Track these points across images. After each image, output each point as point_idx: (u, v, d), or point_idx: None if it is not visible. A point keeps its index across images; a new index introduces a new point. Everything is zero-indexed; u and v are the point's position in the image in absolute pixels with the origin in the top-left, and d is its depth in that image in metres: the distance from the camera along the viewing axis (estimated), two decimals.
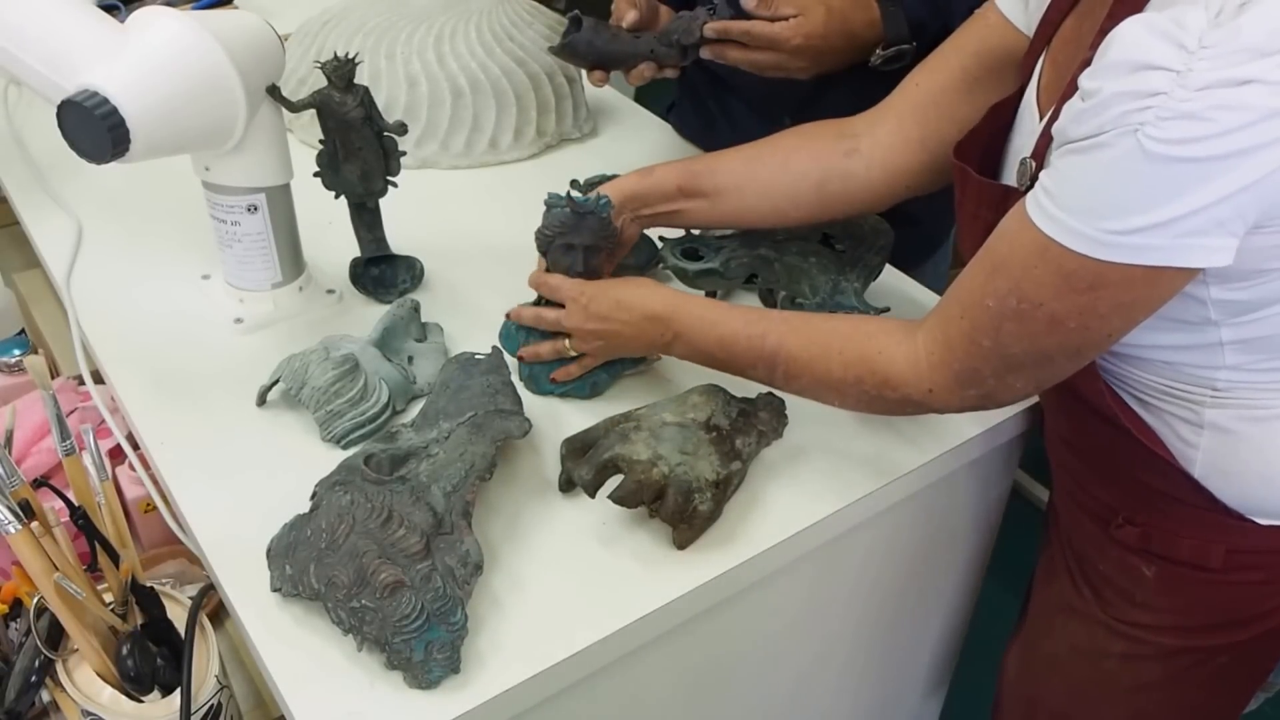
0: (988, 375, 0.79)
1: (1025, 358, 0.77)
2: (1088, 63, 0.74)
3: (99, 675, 0.84)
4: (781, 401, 0.96)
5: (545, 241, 0.98)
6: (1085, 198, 0.68)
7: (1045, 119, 0.80)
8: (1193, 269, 0.69)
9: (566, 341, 0.99)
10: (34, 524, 0.79)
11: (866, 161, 1.01)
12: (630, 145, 1.48)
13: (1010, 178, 0.87)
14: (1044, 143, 0.79)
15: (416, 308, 1.07)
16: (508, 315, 1.01)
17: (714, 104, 1.40)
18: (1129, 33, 0.66)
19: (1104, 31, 0.73)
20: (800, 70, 1.15)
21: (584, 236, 0.96)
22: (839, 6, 1.14)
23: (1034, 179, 0.79)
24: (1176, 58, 0.63)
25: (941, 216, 1.40)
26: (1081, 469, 0.97)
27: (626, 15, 1.17)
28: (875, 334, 0.86)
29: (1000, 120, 0.90)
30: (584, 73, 1.49)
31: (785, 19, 1.12)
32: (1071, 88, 0.75)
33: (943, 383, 0.81)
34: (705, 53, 1.17)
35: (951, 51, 0.99)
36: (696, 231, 1.14)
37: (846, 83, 1.18)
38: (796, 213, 1.04)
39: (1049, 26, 0.87)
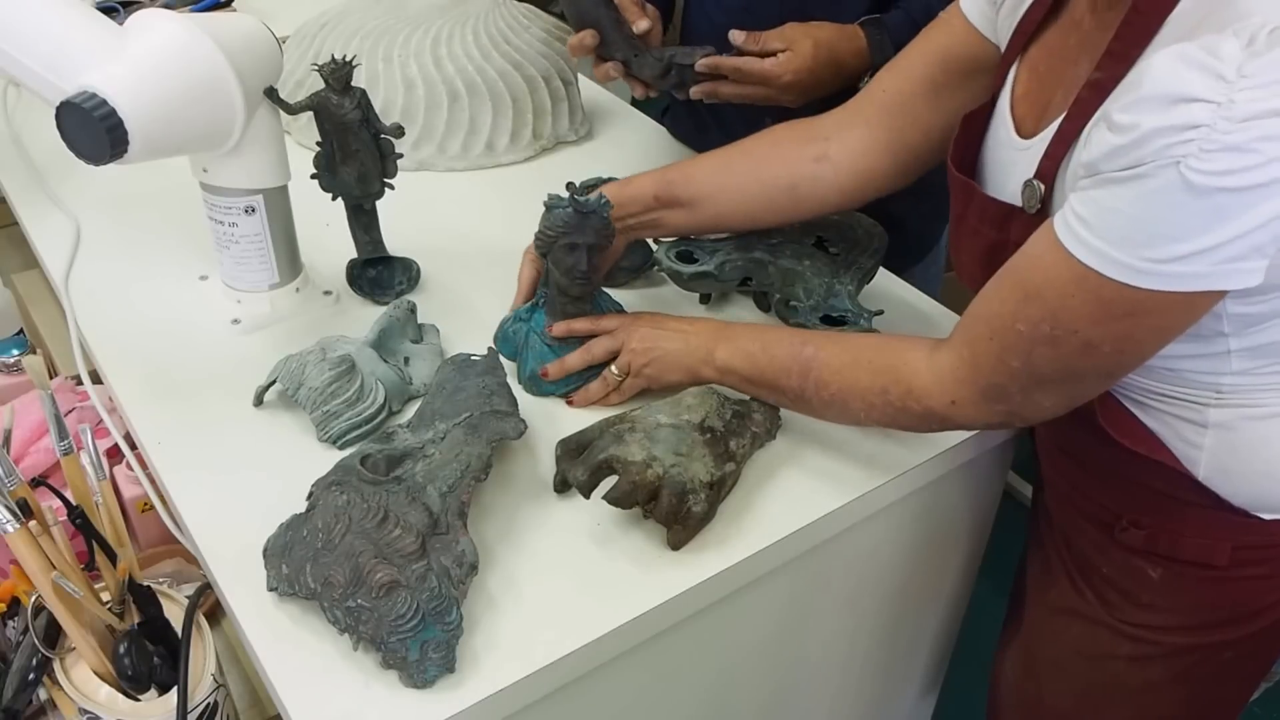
0: (1014, 392, 0.80)
1: (1055, 378, 0.78)
2: (1097, 85, 0.74)
3: (96, 674, 0.84)
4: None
5: (547, 243, 0.98)
6: (1125, 227, 0.68)
7: (1049, 137, 0.80)
8: (1227, 291, 0.70)
9: (612, 368, 1.00)
10: (32, 523, 0.79)
11: (835, 167, 1.03)
12: (625, 148, 1.48)
13: (998, 188, 0.88)
14: (1050, 165, 0.79)
15: (413, 309, 1.08)
16: (544, 372, 1.02)
17: (706, 109, 1.41)
18: (1164, 65, 0.65)
19: (1113, 54, 0.74)
20: (790, 101, 1.17)
21: (587, 235, 0.96)
22: (826, 38, 1.15)
23: (1043, 201, 0.80)
24: (1216, 89, 0.63)
25: (932, 221, 1.41)
26: (1081, 475, 0.97)
27: (638, 22, 1.18)
28: (903, 348, 0.87)
29: (975, 128, 0.91)
30: (580, 75, 1.50)
31: (774, 54, 1.14)
32: (1078, 109, 0.76)
33: (967, 396, 0.82)
34: (696, 91, 1.18)
35: (917, 57, 1.00)
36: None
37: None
38: (771, 216, 1.07)
39: (1023, 35, 0.88)
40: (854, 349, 0.89)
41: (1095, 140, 0.70)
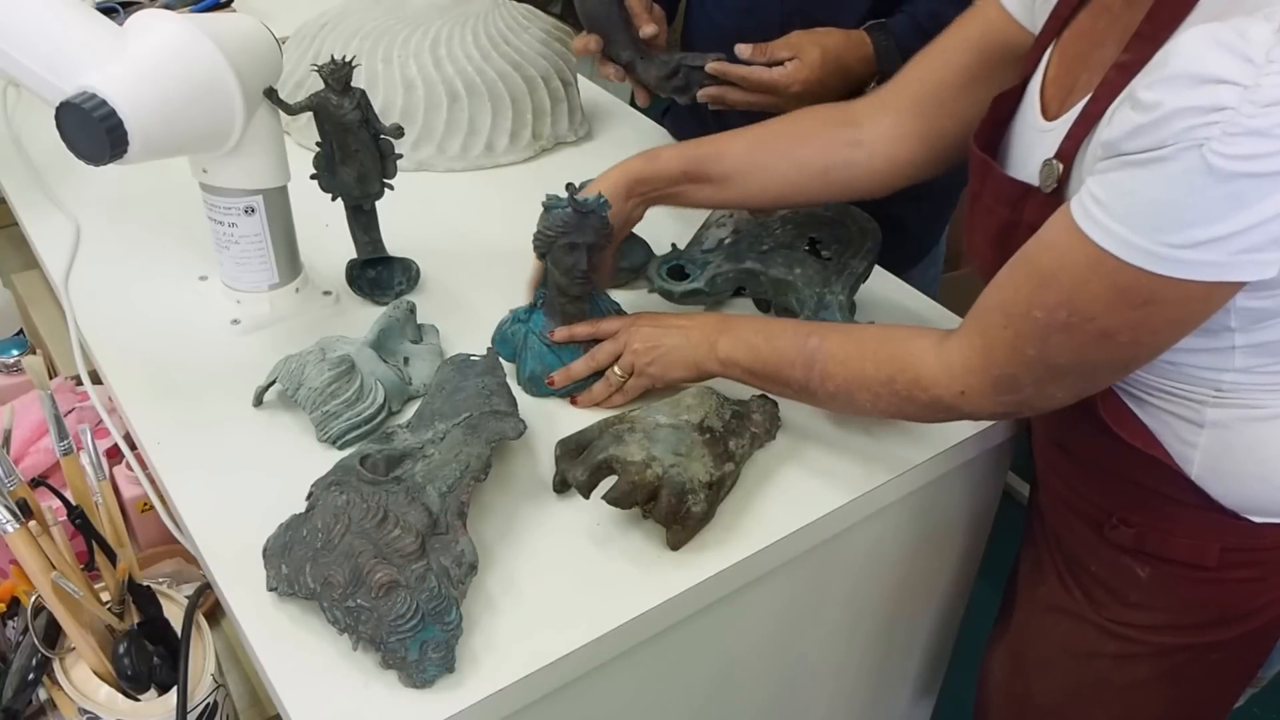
0: (1027, 383, 0.79)
1: (1070, 368, 0.77)
2: (1124, 67, 0.74)
3: (96, 674, 0.84)
4: (774, 403, 0.97)
5: (546, 243, 0.98)
6: (1144, 211, 0.68)
7: (1073, 119, 0.79)
8: (1244, 283, 0.69)
9: (615, 368, 0.99)
10: (32, 523, 0.79)
11: (869, 153, 1.02)
12: (625, 148, 1.47)
13: (1019, 170, 0.87)
14: (1071, 146, 0.78)
15: (412, 309, 1.08)
16: (550, 381, 1.01)
17: (708, 109, 1.41)
18: (1191, 45, 0.65)
19: (1142, 35, 0.73)
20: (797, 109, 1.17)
21: (587, 235, 0.96)
22: (833, 45, 1.15)
23: (1060, 181, 0.79)
24: (1244, 72, 0.62)
25: (932, 222, 1.41)
26: (1073, 471, 0.97)
27: (645, 27, 1.18)
28: (910, 337, 0.87)
29: (1003, 110, 0.90)
30: (579, 76, 1.50)
31: (781, 63, 1.14)
32: (1104, 90, 0.75)
33: (977, 386, 0.81)
34: (704, 94, 1.18)
35: (951, 45, 0.99)
36: (685, 233, 1.15)
37: None
38: (800, 199, 1.07)
39: (1058, 20, 0.87)
40: (859, 339, 0.89)
41: (1118, 119, 0.69)
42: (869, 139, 1.02)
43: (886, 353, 0.87)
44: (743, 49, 1.15)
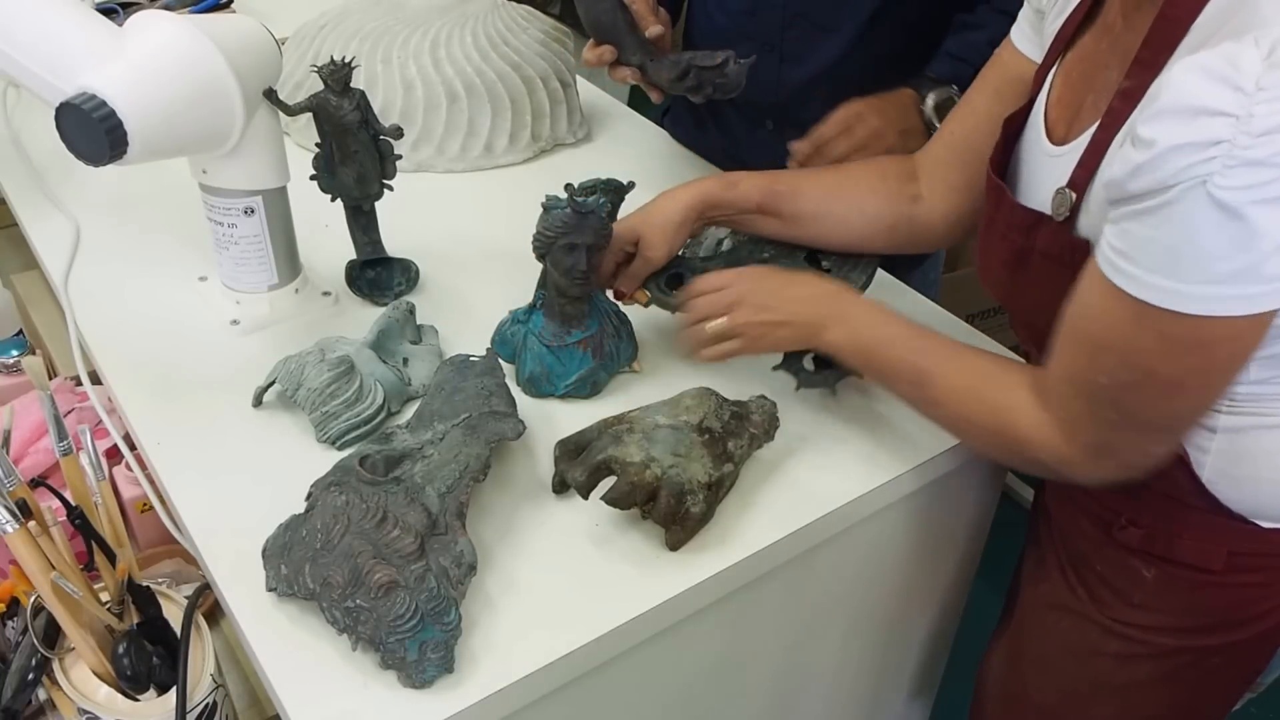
0: (1121, 445, 0.79)
1: (1155, 421, 0.77)
2: (1127, 94, 0.74)
3: (95, 674, 0.84)
4: (774, 404, 0.97)
5: (546, 244, 0.98)
6: (1165, 256, 0.68)
7: (1083, 145, 0.80)
8: None
9: (723, 319, 0.96)
10: (31, 523, 0.79)
11: (928, 208, 1.04)
12: (624, 149, 1.48)
13: (1029, 194, 0.88)
14: (1083, 175, 0.79)
15: (411, 310, 1.08)
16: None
17: (705, 109, 1.42)
18: (1181, 76, 0.65)
19: (1141, 61, 0.74)
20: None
21: (586, 235, 0.96)
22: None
23: (1074, 210, 0.80)
24: (1235, 102, 0.63)
25: None
26: None
27: (650, 28, 1.18)
28: (1015, 387, 0.85)
29: (1011, 130, 0.91)
30: (579, 77, 1.50)
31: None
32: (1111, 119, 0.76)
33: (1073, 457, 0.81)
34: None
35: (976, 95, 1.01)
36: (686, 254, 1.14)
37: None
38: (864, 249, 1.08)
39: (1061, 41, 0.88)
40: (968, 376, 0.88)
41: (1120, 157, 0.69)
42: (927, 193, 1.04)
43: (991, 400, 0.85)
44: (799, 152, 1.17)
